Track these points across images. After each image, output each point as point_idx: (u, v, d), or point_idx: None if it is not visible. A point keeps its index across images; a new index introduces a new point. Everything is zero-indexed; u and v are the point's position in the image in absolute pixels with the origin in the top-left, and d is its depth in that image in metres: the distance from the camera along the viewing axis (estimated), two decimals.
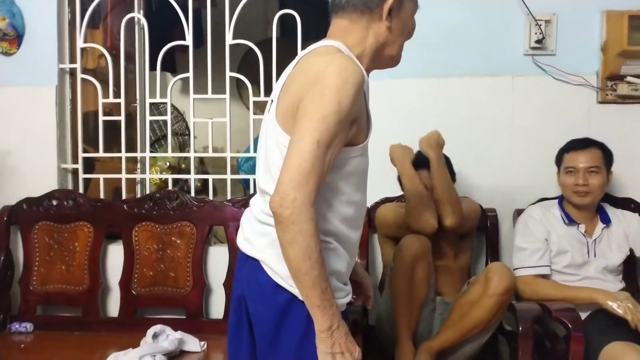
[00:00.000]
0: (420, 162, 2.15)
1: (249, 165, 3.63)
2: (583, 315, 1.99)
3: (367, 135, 1.25)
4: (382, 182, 2.23)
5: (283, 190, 1.10)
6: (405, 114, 2.44)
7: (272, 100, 1.29)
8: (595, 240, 2.11)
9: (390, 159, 2.17)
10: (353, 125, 1.18)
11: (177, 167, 3.49)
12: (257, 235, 1.26)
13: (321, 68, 1.15)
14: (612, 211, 2.19)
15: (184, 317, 2.44)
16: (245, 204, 2.47)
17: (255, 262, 1.26)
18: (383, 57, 1.31)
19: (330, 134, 1.11)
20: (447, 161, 2.19)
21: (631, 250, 2.16)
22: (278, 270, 1.21)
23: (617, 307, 1.91)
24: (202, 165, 3.79)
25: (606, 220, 2.14)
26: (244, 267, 1.31)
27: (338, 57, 1.17)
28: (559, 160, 2.19)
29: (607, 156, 2.12)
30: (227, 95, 2.57)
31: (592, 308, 2.00)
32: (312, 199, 1.10)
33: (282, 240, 1.13)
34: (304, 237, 1.10)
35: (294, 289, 1.19)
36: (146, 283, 2.46)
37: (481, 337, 2.03)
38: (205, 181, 2.76)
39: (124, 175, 2.64)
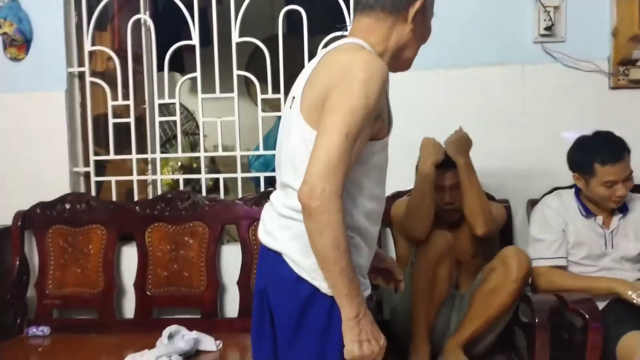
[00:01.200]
0: (447, 162, 2.09)
1: (260, 163, 3.63)
2: (600, 305, 1.97)
3: (389, 131, 1.28)
4: (394, 176, 2.21)
5: (312, 181, 1.12)
6: (415, 106, 2.42)
7: (293, 97, 1.30)
8: (612, 231, 2.08)
9: (419, 151, 2.12)
10: (377, 119, 1.21)
11: (189, 166, 3.50)
12: (279, 229, 1.28)
13: (348, 63, 1.18)
14: (630, 198, 2.14)
15: (199, 316, 2.45)
16: (256, 202, 2.47)
17: (277, 255, 1.27)
18: (401, 59, 1.33)
19: (358, 127, 1.14)
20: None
21: None
22: (301, 263, 1.23)
23: (636, 296, 1.88)
24: (214, 164, 3.80)
25: (624, 210, 2.10)
26: (265, 260, 1.33)
27: (364, 54, 1.20)
28: (587, 168, 2.01)
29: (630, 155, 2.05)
30: (235, 94, 2.57)
31: (610, 298, 1.98)
32: (340, 190, 1.13)
33: (310, 230, 1.14)
34: (332, 227, 1.12)
35: (316, 282, 1.21)
36: (160, 283, 2.47)
37: (499, 326, 2.02)
38: (217, 180, 2.76)
39: (135, 177, 2.65)
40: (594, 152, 2.01)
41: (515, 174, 2.42)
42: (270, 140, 3.53)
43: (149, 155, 2.69)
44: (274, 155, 2.86)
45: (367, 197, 1.26)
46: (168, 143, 3.80)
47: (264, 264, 1.35)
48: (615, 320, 1.87)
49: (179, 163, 3.55)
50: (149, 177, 2.70)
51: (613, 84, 2.37)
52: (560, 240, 2.07)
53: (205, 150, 2.69)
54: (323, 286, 1.21)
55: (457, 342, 1.98)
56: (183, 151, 3.11)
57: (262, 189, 2.65)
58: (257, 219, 2.44)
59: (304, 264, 1.22)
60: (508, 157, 2.40)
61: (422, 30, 1.33)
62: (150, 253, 2.48)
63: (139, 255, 2.48)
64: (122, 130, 2.73)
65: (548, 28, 2.35)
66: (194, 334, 2.19)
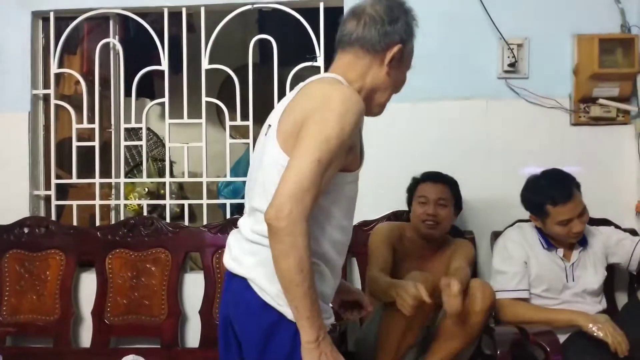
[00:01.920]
0: (439, 175, 2.20)
1: (229, 191, 3.60)
2: (562, 338, 1.98)
3: (360, 164, 1.32)
4: (359, 205, 2.21)
5: (280, 203, 1.13)
6: (380, 138, 2.43)
7: (269, 125, 1.33)
8: (573, 264, 2.11)
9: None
10: (350, 152, 1.25)
11: (157, 192, 3.44)
12: (245, 254, 1.28)
13: (326, 93, 1.22)
14: (589, 231, 2.18)
15: (159, 346, 2.38)
16: (222, 229, 2.45)
17: (243, 281, 1.27)
18: (373, 101, 1.37)
19: (331, 155, 1.16)
20: (456, 188, 2.22)
21: (609, 270, 2.17)
22: (267, 289, 1.23)
23: (597, 329, 1.89)
24: (182, 191, 3.75)
25: (584, 243, 2.14)
26: (230, 287, 1.33)
27: (344, 87, 1.26)
28: (540, 210, 2.05)
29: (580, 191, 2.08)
30: (203, 120, 2.56)
31: (572, 330, 1.99)
32: (307, 214, 1.14)
33: (275, 252, 1.15)
34: (297, 249, 1.13)
35: (282, 308, 1.22)
36: (120, 312, 2.40)
37: (462, 357, 2.01)
38: (185, 206, 2.72)
39: (97, 202, 2.60)
40: (544, 193, 2.04)
41: (479, 207, 2.44)
42: (240, 168, 3.51)
43: (112, 180, 2.64)
44: (243, 183, 2.87)
45: (335, 227, 1.28)
46: (136, 169, 3.75)
47: (229, 291, 1.34)
48: (577, 353, 1.89)
49: (146, 189, 3.50)
50: (111, 202, 2.65)
51: (574, 121, 2.44)
52: (522, 272, 2.09)
53: (174, 177, 2.66)
54: (288, 312, 1.21)
55: None
56: (151, 177, 3.06)
57: (229, 216, 2.62)
58: (222, 247, 2.41)
59: (270, 290, 1.22)
60: (472, 190, 2.41)
61: (396, 77, 1.37)
62: (110, 280, 2.42)
63: (98, 282, 2.42)
64: (87, 155, 2.68)
65: (512, 65, 2.42)
66: None
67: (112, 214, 2.66)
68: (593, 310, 2.06)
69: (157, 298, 2.41)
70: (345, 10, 1.45)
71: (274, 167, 1.23)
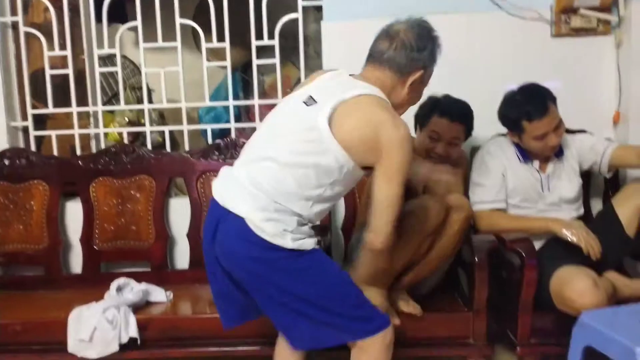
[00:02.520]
0: (459, 112, 2.15)
1: (210, 118, 3.57)
2: (538, 244, 2.06)
3: None
4: None
5: (381, 231, 1.52)
6: (357, 54, 2.39)
7: (311, 97, 1.52)
8: (548, 175, 2.15)
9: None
10: None
11: (137, 122, 3.41)
12: (246, 199, 1.46)
13: (392, 132, 1.46)
14: (565, 140, 2.20)
15: (149, 269, 2.44)
16: (204, 154, 2.45)
17: (238, 219, 1.45)
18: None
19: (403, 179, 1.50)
20: (471, 123, 2.20)
21: (584, 177, 2.23)
22: (265, 229, 1.43)
23: (571, 234, 1.96)
24: (163, 119, 3.72)
25: (559, 154, 2.17)
26: (226, 220, 1.49)
27: (400, 122, 1.49)
28: (516, 126, 2.07)
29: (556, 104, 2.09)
30: (178, 43, 2.50)
31: (547, 237, 2.06)
32: None
33: (368, 259, 1.69)
34: (385, 260, 1.67)
35: (279, 241, 1.44)
36: (108, 238, 2.44)
37: (442, 267, 2.08)
38: (169, 136, 2.70)
39: (76, 131, 2.57)
40: (519, 109, 2.04)
41: None
42: (220, 95, 3.48)
43: (90, 108, 2.61)
44: (224, 109, 2.85)
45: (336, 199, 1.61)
46: (114, 99, 3.69)
47: (223, 224, 1.50)
48: (551, 258, 1.96)
49: (126, 119, 3.46)
50: (90, 131, 2.62)
51: (555, 32, 2.42)
52: (500, 184, 2.14)
53: (152, 104, 2.62)
54: (286, 243, 1.44)
55: (403, 284, 2.03)
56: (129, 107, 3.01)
57: (210, 141, 2.62)
58: (205, 172, 2.45)
59: (268, 230, 1.43)
60: None
61: (414, 96, 1.63)
62: (95, 208, 2.44)
63: (84, 210, 2.44)
64: (62, 85, 2.62)
65: None
66: (143, 285, 2.18)
67: (93, 143, 2.63)
68: (568, 217, 2.13)
69: (144, 223, 2.44)
70: None
71: (334, 162, 1.46)
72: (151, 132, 2.71)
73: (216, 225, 1.51)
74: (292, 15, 2.48)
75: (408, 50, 1.54)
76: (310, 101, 1.52)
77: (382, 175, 1.48)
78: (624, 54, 2.38)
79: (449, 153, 2.15)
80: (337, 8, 2.45)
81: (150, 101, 3.11)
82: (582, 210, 2.20)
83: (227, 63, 2.53)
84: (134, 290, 2.15)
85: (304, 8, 2.50)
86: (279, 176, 1.47)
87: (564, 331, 1.67)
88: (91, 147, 2.64)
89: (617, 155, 2.10)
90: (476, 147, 2.35)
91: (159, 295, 2.19)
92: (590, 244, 1.93)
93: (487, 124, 2.37)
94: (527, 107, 2.03)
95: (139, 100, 3.67)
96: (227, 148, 2.45)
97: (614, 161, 2.12)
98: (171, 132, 2.63)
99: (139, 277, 2.25)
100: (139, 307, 2.10)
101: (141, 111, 2.90)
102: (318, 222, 1.61)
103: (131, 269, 2.44)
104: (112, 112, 3.25)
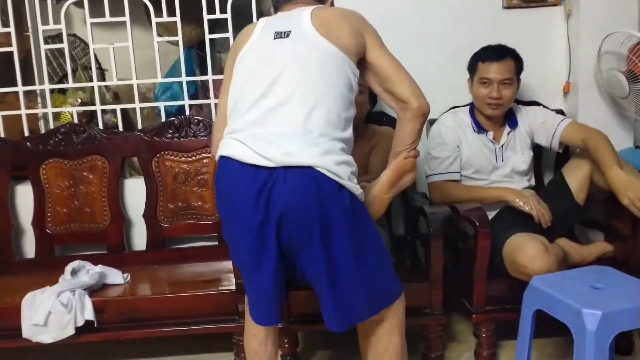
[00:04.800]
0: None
1: (167, 97, 3.49)
2: (492, 214, 2.11)
3: None
4: None
5: (422, 96, 1.56)
6: None
7: (285, 32, 1.50)
8: (502, 146, 2.19)
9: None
10: None
11: (91, 103, 3.31)
12: (306, 146, 1.37)
13: (358, 15, 1.57)
14: (519, 112, 2.25)
15: (106, 252, 2.40)
16: (157, 132, 2.40)
17: (308, 170, 1.37)
18: None
19: None
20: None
21: (536, 150, 2.27)
22: (339, 173, 1.38)
23: (523, 203, 2.01)
24: (118, 100, 3.62)
25: (513, 124, 2.21)
26: (285, 179, 1.37)
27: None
28: (472, 68, 2.19)
29: (519, 66, 2.15)
30: (127, 18, 2.42)
31: (500, 206, 2.11)
32: None
33: (415, 124, 1.58)
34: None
35: (350, 185, 1.41)
36: (61, 221, 2.38)
37: None
38: (124, 116, 2.63)
39: (23, 111, 2.48)
40: (479, 52, 2.16)
41: None
42: (176, 74, 3.39)
43: (36, 87, 2.51)
44: (181, 88, 2.77)
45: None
46: (65, 79, 3.56)
47: (286, 184, 1.37)
48: (504, 226, 2.00)
49: (79, 100, 3.35)
50: (38, 111, 2.53)
51: (506, 4, 2.44)
52: (454, 156, 2.17)
53: (105, 86, 2.53)
54: (356, 188, 1.42)
55: None
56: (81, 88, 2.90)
57: (164, 119, 2.56)
58: (160, 151, 2.41)
59: (342, 173, 1.39)
60: None
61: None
62: (47, 190, 2.37)
63: (34, 194, 2.37)
64: (7, 66, 2.51)
65: None
66: (99, 268, 2.14)
67: (41, 123, 2.55)
68: (520, 187, 2.17)
69: (98, 205, 2.39)
70: None
71: (353, 76, 1.49)
72: (105, 112, 2.63)
73: (266, 191, 1.37)
74: None
75: None
76: (280, 34, 1.51)
77: (377, 48, 1.55)
78: (574, 24, 2.42)
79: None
80: None
81: (103, 79, 3.03)
82: (533, 182, 2.25)
83: (179, 38, 2.48)
84: (90, 272, 2.11)
85: None
86: (322, 109, 1.42)
87: (517, 297, 1.71)
88: (40, 128, 2.56)
89: (565, 136, 2.14)
90: (432, 120, 2.36)
91: (116, 277, 2.16)
92: (542, 212, 1.98)
93: (441, 96, 2.39)
94: (486, 50, 2.15)
95: (90, 80, 3.56)
96: (181, 125, 2.40)
97: (563, 140, 2.16)
98: (127, 114, 2.56)
99: (95, 260, 2.22)
100: (95, 290, 2.07)
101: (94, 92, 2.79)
102: None
103: (87, 252, 2.39)
104: (64, 93, 3.14)
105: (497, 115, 2.16)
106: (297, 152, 1.37)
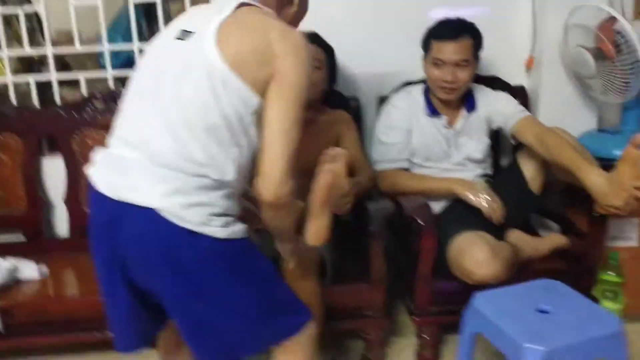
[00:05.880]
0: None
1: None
2: (440, 206, 1.96)
3: None
4: None
5: (272, 175, 1.18)
6: None
7: (186, 31, 1.23)
8: (457, 131, 2.01)
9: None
10: None
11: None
12: (153, 182, 1.15)
13: (283, 37, 1.20)
14: (480, 93, 2.05)
15: (23, 239, 2.18)
16: (76, 109, 2.15)
17: (148, 212, 1.14)
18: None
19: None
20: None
21: (493, 137, 2.10)
22: (187, 217, 1.15)
23: (473, 197, 1.86)
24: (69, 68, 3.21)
25: (471, 108, 2.02)
26: (128, 219, 1.16)
27: (293, 29, 1.26)
28: (426, 45, 1.95)
29: (478, 44, 1.93)
30: None
31: (450, 199, 1.95)
32: None
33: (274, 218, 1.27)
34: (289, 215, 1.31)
35: (208, 229, 1.16)
36: None
37: None
38: (31, 83, 2.32)
39: None
40: (434, 27, 1.94)
41: (365, 71, 2.26)
42: (121, 26, 3.06)
43: None
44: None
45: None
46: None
47: (128, 224, 1.16)
48: (452, 222, 1.86)
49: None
50: None
51: None
52: (404, 142, 1.99)
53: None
54: (216, 232, 1.17)
55: None
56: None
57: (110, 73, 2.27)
58: (80, 127, 2.16)
59: (191, 218, 1.15)
60: (358, 54, 2.22)
61: (301, 11, 1.42)
62: None
63: None
64: None
65: None
66: (8, 263, 1.93)
67: None
68: (473, 175, 2.01)
69: (12, 188, 2.15)
70: None
71: (243, 107, 1.17)
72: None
73: (112, 226, 1.19)
74: None
75: None
76: (184, 35, 1.24)
77: (275, 92, 1.18)
78: None
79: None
80: None
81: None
82: (489, 171, 2.09)
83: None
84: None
85: None
86: (182, 140, 1.16)
87: (464, 300, 1.57)
88: None
89: (517, 131, 1.95)
90: (383, 97, 2.16)
91: (31, 271, 1.96)
92: (493, 208, 1.84)
93: (393, 72, 2.22)
94: (441, 27, 1.91)
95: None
96: (104, 100, 2.15)
97: (515, 134, 1.98)
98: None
99: (10, 249, 2.01)
100: (7, 288, 1.87)
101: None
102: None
103: (1, 240, 2.18)
104: None
105: (451, 99, 1.96)
106: (141, 188, 1.16)
